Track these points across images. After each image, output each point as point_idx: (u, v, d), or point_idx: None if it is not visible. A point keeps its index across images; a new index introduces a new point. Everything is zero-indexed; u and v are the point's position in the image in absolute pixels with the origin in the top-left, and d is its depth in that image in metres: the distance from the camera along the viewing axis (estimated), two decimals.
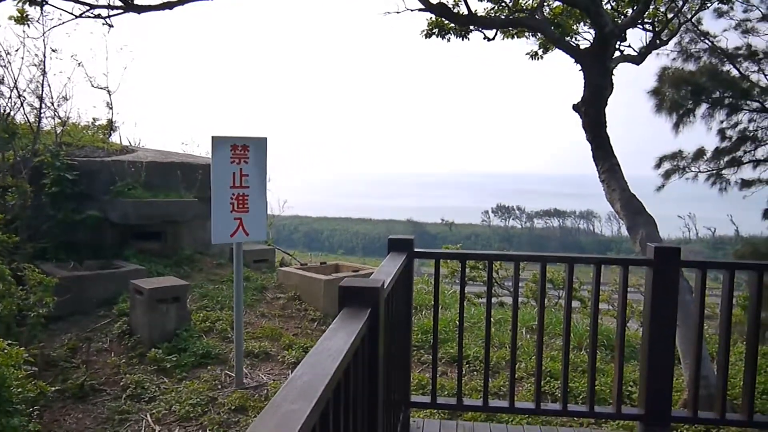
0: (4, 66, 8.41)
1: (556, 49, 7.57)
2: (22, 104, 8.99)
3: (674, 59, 13.78)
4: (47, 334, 6.56)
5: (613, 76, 6.15)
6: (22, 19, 4.94)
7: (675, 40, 10.91)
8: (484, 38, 6.95)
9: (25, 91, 8.96)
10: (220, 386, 5.47)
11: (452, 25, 7.17)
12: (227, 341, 6.38)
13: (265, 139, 5.48)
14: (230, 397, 5.19)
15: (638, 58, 6.83)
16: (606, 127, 5.95)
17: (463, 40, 7.43)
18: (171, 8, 4.89)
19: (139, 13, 4.86)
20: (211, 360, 5.97)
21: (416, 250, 3.68)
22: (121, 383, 5.54)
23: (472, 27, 6.86)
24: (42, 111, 8.25)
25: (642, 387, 3.75)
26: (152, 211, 8.26)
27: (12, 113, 8.57)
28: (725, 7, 13.50)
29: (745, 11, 13.94)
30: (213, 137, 5.23)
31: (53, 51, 8.22)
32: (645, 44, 7.11)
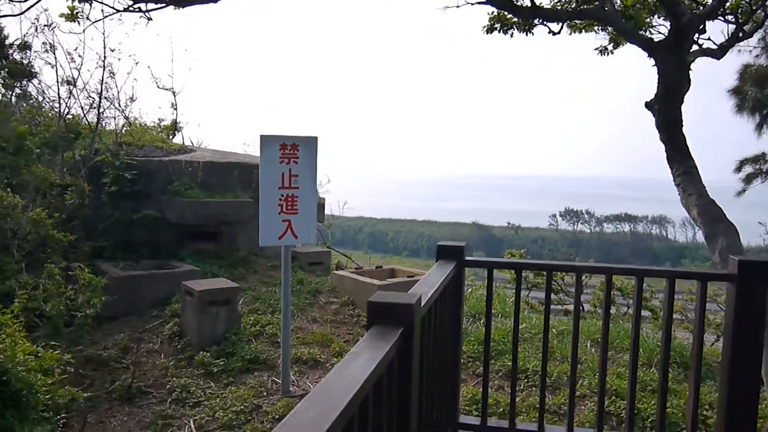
0: (77, 68, 8.60)
1: (627, 44, 7.11)
2: (91, 105, 9.17)
3: (757, 56, 12.89)
4: (101, 333, 6.58)
5: (690, 72, 5.66)
6: (72, 16, 4.91)
7: (758, 35, 10.21)
8: (549, 32, 6.55)
9: (93, 92, 9.15)
10: (265, 393, 5.30)
11: (515, 19, 6.80)
12: (276, 346, 6.22)
13: (316, 138, 5.28)
14: (275, 405, 5.01)
15: (719, 52, 6.28)
16: (682, 126, 5.47)
17: (527, 34, 7.04)
18: (215, 1, 4.74)
19: (181, 7, 4.73)
20: (259, 365, 5.82)
21: (467, 258, 3.38)
22: (168, 386, 5.45)
23: (536, 20, 6.47)
24: (102, 111, 8.36)
25: (721, 412, 3.32)
26: (208, 211, 8.22)
27: (81, 114, 8.76)
28: None
29: None
30: (261, 136, 5.07)
31: (111, 50, 8.27)
32: (727, 37, 6.55)
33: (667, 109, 5.37)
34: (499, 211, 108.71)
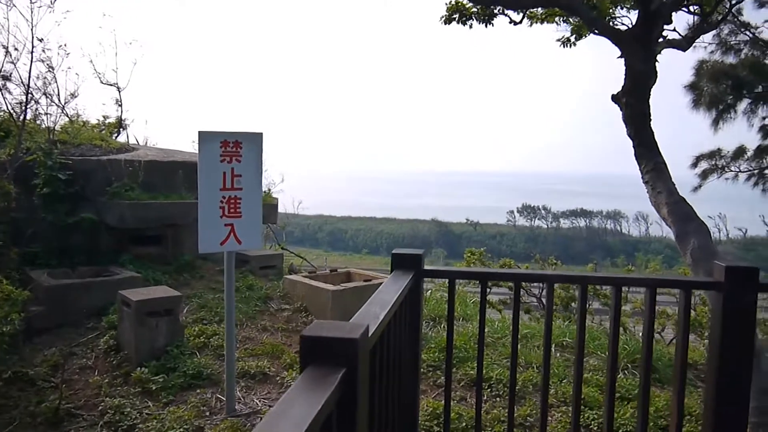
0: (13, 62, 7.96)
1: (590, 36, 6.85)
2: (26, 102, 8.54)
3: (712, 52, 12.88)
4: (30, 348, 6.02)
5: (657, 63, 5.41)
6: None
7: (712, 32, 10.16)
8: (510, 22, 6.24)
9: (31, 88, 8.55)
10: (208, 413, 4.84)
11: (474, 9, 6.47)
12: (222, 359, 5.75)
13: (261, 134, 4.84)
14: (218, 427, 4.57)
15: (684, 44, 6.07)
16: (650, 120, 5.21)
17: (486, 26, 6.72)
18: None
19: None
20: (203, 381, 5.35)
21: (427, 268, 3.00)
22: (100, 407, 4.93)
23: (496, 9, 6.15)
24: (33, 106, 7.74)
25: (707, 428, 3.03)
26: (150, 213, 7.68)
27: (18, 111, 8.14)
28: None
29: None
30: (200, 132, 4.61)
31: (39, 40, 7.64)
32: (692, 28, 6.33)
33: (634, 102, 5.10)
34: (458, 208, 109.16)
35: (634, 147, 5.24)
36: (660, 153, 5.17)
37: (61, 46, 8.40)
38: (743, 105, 12.97)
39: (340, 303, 6.48)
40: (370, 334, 1.76)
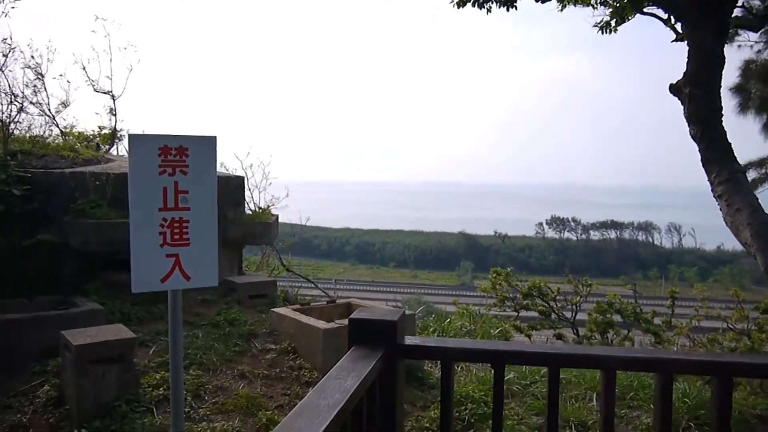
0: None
1: (634, 18, 5.66)
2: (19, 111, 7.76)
3: (759, 51, 11.63)
4: None
5: (727, 45, 4.21)
6: None
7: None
8: (536, 0, 5.09)
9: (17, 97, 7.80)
10: None
11: None
12: (187, 416, 4.66)
13: (214, 138, 3.75)
14: None
15: (756, 23, 4.85)
16: (722, 116, 4.01)
17: (508, 9, 5.60)
18: None
19: None
20: None
21: (407, 342, 1.87)
22: None
23: None
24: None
25: None
26: (119, 234, 6.60)
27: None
28: None
29: None
30: (130, 136, 3.54)
31: (3, 41, 6.73)
32: (763, 5, 5.11)
33: (702, 93, 3.91)
34: (486, 220, 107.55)
35: (700, 151, 4.05)
36: (736, 158, 3.98)
37: (49, 48, 7.63)
38: None
39: (334, 344, 5.35)
40: None
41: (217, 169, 3.89)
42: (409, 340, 1.90)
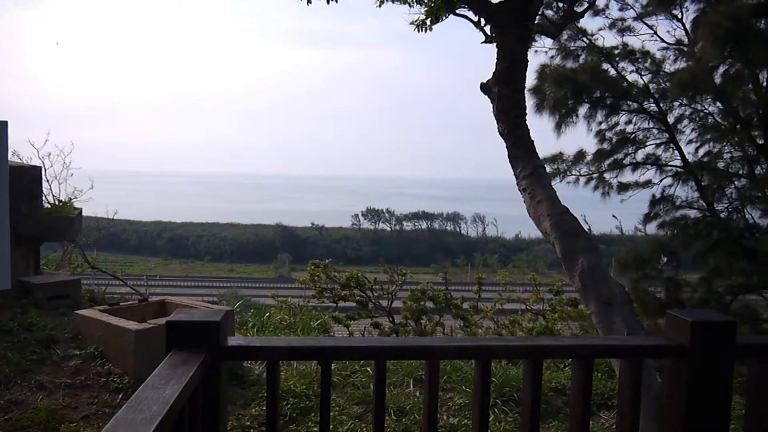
0: None
1: (449, 19, 5.93)
2: None
3: (552, 57, 12.84)
4: None
5: (530, 49, 4.56)
6: None
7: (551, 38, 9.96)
8: None
9: None
10: None
11: None
12: None
13: (5, 123, 3.33)
14: None
15: (554, 30, 5.31)
16: (526, 114, 4.33)
17: (328, 2, 5.60)
18: None
19: None
20: None
21: (231, 343, 1.76)
22: None
23: None
24: None
25: None
26: None
27: None
28: (601, 4, 12.79)
29: (621, 9, 13.33)
30: None
31: None
32: (559, 16, 5.61)
33: (509, 92, 4.20)
34: (305, 212, 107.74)
35: (507, 147, 4.35)
36: (537, 154, 4.32)
37: None
38: (584, 109, 13.05)
39: (147, 346, 5.02)
40: None
41: (9, 159, 3.45)
42: (233, 340, 1.80)
